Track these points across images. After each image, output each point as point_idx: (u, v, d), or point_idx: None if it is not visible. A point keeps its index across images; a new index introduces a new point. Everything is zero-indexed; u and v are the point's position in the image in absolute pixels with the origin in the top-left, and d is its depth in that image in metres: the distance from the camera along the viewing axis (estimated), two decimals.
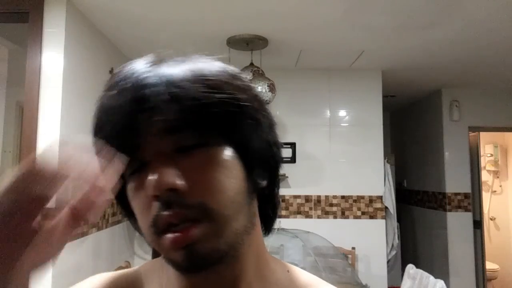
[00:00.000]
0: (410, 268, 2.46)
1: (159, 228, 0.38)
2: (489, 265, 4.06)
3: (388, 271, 3.32)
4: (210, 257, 0.38)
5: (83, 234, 2.20)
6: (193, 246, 0.37)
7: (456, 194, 3.81)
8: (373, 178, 3.32)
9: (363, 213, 3.30)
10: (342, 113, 3.41)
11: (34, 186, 0.30)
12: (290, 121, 3.34)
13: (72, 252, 2.07)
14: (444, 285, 2.07)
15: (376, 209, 3.31)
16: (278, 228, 2.82)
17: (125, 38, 2.62)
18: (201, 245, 0.37)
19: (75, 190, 0.32)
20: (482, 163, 4.53)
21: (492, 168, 4.93)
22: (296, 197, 3.31)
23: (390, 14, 2.23)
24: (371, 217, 3.30)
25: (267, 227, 0.49)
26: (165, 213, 0.37)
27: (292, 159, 3.30)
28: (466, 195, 3.81)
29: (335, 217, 3.30)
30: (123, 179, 0.43)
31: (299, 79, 3.37)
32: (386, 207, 3.36)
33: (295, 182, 3.30)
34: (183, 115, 0.38)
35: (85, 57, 2.25)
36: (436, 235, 3.98)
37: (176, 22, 2.38)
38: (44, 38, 1.99)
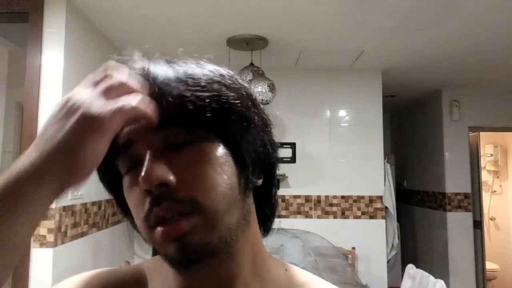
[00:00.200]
0: (410, 268, 2.46)
1: (151, 223, 0.39)
2: (489, 265, 4.06)
3: (388, 271, 3.33)
4: (202, 250, 0.39)
5: (83, 234, 2.20)
6: (184, 238, 0.38)
7: (456, 194, 3.81)
8: (373, 178, 3.32)
9: (363, 213, 3.31)
10: (342, 113, 3.41)
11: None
12: (290, 121, 3.34)
13: (72, 252, 2.07)
14: (444, 285, 2.07)
15: (376, 209, 3.31)
16: (278, 228, 2.82)
17: (125, 38, 2.62)
18: (192, 237, 0.38)
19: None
20: (482, 163, 4.53)
21: (492, 168, 4.93)
22: (296, 197, 3.31)
23: (390, 14, 2.23)
24: (371, 217, 3.30)
25: (266, 227, 0.49)
26: (156, 207, 0.38)
27: (292, 159, 3.30)
28: (466, 195, 3.81)
29: (335, 217, 3.30)
30: (121, 179, 0.44)
31: (299, 79, 3.37)
32: (386, 207, 3.36)
33: (295, 182, 3.30)
34: (173, 112, 0.39)
35: (85, 57, 2.25)
36: (436, 235, 3.98)
37: (176, 22, 2.38)
38: (44, 38, 1.99)
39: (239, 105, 0.42)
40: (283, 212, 3.28)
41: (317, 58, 3.09)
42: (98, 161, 0.37)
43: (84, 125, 0.35)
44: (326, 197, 3.32)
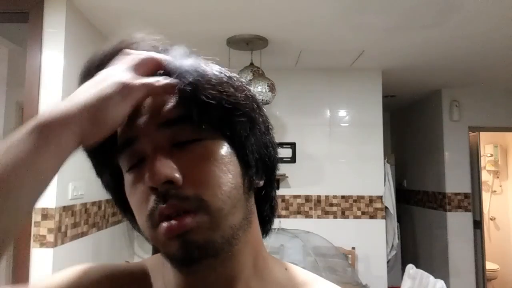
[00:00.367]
0: (410, 268, 2.46)
1: (156, 220, 0.38)
2: (489, 265, 4.06)
3: (388, 271, 3.33)
4: (205, 248, 0.38)
5: (83, 234, 2.20)
6: (188, 235, 0.38)
7: (456, 194, 3.81)
8: (373, 178, 3.32)
9: (363, 213, 3.31)
10: (342, 113, 3.41)
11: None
12: (290, 121, 3.34)
13: (72, 252, 2.07)
14: (444, 285, 2.07)
15: (376, 209, 3.31)
16: (278, 228, 2.82)
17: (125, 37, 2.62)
18: (196, 235, 0.38)
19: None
20: (482, 163, 4.53)
21: (492, 168, 4.93)
22: (296, 197, 3.31)
23: (390, 14, 2.24)
24: (371, 217, 3.30)
25: (266, 228, 0.49)
26: (162, 205, 0.38)
27: (292, 159, 3.30)
28: (466, 195, 3.81)
29: (335, 217, 3.30)
30: (121, 176, 0.43)
31: (299, 79, 3.37)
32: (386, 207, 3.36)
33: (295, 182, 3.30)
34: (180, 109, 0.40)
35: (85, 57, 2.24)
36: (436, 235, 3.98)
37: (177, 22, 2.38)
38: (44, 38, 1.99)
39: (246, 106, 0.42)
40: (283, 212, 3.28)
41: (317, 58, 3.09)
42: (118, 122, 0.39)
43: (114, 88, 0.38)
44: (326, 197, 3.32)
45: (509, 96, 3.87)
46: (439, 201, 3.92)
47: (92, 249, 2.33)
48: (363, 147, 3.33)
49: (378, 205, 3.31)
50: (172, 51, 0.45)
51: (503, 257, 4.66)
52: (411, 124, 4.68)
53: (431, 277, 2.20)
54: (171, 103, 0.41)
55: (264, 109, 0.47)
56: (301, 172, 3.30)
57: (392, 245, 3.56)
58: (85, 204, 2.22)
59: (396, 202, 3.58)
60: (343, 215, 3.30)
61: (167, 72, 0.41)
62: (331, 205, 3.32)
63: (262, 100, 2.58)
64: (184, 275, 0.43)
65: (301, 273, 0.49)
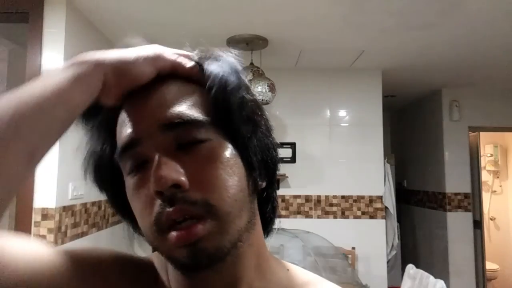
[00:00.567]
0: (410, 268, 2.46)
1: (162, 226, 0.37)
2: (489, 265, 4.06)
3: (388, 271, 3.32)
4: (214, 255, 0.38)
5: (83, 234, 2.20)
6: (198, 244, 0.37)
7: (456, 194, 3.81)
8: (373, 178, 3.32)
9: (363, 213, 3.30)
10: (342, 113, 3.41)
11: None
12: (290, 121, 3.34)
13: None
14: (444, 285, 2.07)
15: (376, 209, 3.31)
16: (278, 228, 2.81)
17: (125, 38, 2.62)
18: (206, 243, 0.37)
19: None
20: (482, 163, 4.53)
21: (492, 168, 4.93)
22: (296, 197, 3.31)
23: (390, 14, 2.23)
24: (371, 217, 3.30)
25: (267, 229, 0.49)
26: (169, 209, 0.37)
27: (292, 159, 3.30)
28: (466, 195, 3.81)
29: (335, 217, 3.30)
30: (120, 180, 0.43)
31: (299, 79, 3.37)
32: (386, 207, 3.36)
33: (295, 182, 3.30)
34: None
35: None
36: (436, 235, 3.98)
37: (176, 22, 2.38)
38: (44, 38, 1.99)
39: (251, 107, 0.43)
40: (283, 212, 3.28)
41: (317, 58, 3.09)
42: (138, 81, 0.41)
43: (148, 53, 0.42)
44: (326, 197, 3.32)
45: (509, 96, 3.87)
46: (439, 201, 3.92)
47: None
48: (363, 147, 3.33)
49: (378, 205, 3.31)
50: (207, 54, 0.46)
51: (503, 257, 4.66)
52: (411, 124, 4.68)
53: (431, 277, 2.20)
54: (174, 104, 0.40)
55: (265, 111, 0.47)
56: (301, 172, 3.30)
57: (392, 245, 3.56)
58: (85, 204, 2.22)
59: (396, 202, 3.57)
60: (343, 215, 3.30)
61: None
62: (331, 205, 3.31)
63: (262, 100, 2.58)
64: (187, 278, 0.43)
65: (303, 273, 0.49)
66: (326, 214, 3.31)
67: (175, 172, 0.37)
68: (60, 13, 2.02)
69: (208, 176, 0.39)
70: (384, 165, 3.38)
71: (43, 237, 1.88)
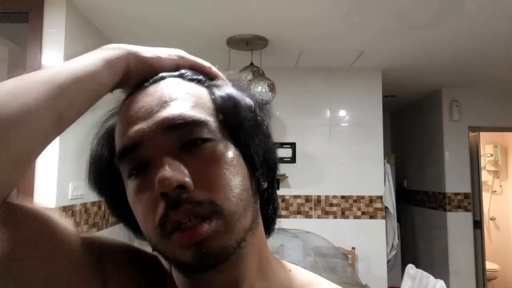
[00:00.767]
0: (410, 268, 2.46)
1: (167, 228, 0.37)
2: (489, 265, 4.06)
3: (388, 271, 3.32)
4: (220, 255, 0.38)
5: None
6: (204, 244, 0.37)
7: (456, 194, 3.81)
8: (373, 178, 3.32)
9: (363, 213, 3.30)
10: (342, 113, 3.41)
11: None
12: (290, 121, 3.34)
13: None
14: (444, 285, 2.07)
15: (376, 209, 3.31)
16: (278, 228, 2.82)
17: (125, 38, 2.62)
18: (212, 242, 0.37)
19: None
20: (482, 163, 4.53)
21: (492, 168, 4.93)
22: (296, 197, 3.31)
23: (390, 14, 2.23)
24: (371, 217, 3.30)
25: (268, 229, 0.49)
26: (174, 211, 0.37)
27: (292, 159, 3.30)
28: (466, 195, 3.81)
29: (335, 217, 3.30)
30: (119, 184, 0.43)
31: (299, 79, 3.37)
32: (386, 207, 3.36)
33: (295, 182, 3.30)
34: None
35: None
36: (436, 235, 3.98)
37: (176, 22, 2.37)
38: (44, 38, 1.99)
39: (252, 108, 0.43)
40: (283, 212, 3.28)
41: (317, 58, 3.09)
42: (153, 71, 0.44)
43: (172, 53, 0.46)
44: (326, 197, 3.32)
45: (509, 96, 3.87)
46: (439, 201, 3.92)
47: None
48: (363, 147, 3.33)
49: (378, 205, 3.31)
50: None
51: (503, 257, 4.66)
52: (411, 124, 4.68)
53: (431, 277, 2.20)
54: (175, 105, 0.40)
55: (267, 111, 0.47)
56: (301, 172, 3.30)
57: (392, 245, 3.56)
58: (85, 204, 2.22)
59: (396, 202, 3.57)
60: (343, 215, 3.30)
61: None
62: (331, 205, 3.31)
63: (262, 100, 2.58)
64: (189, 278, 0.43)
65: (304, 274, 0.49)
66: (326, 214, 3.31)
67: (179, 173, 0.37)
68: (60, 13, 2.02)
69: (212, 176, 0.38)
70: (384, 165, 3.38)
71: None
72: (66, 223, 0.41)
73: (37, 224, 0.38)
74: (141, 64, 0.43)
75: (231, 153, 0.41)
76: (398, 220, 3.75)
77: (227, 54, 2.73)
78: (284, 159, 3.26)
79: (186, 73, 0.45)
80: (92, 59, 0.40)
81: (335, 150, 3.34)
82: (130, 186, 0.40)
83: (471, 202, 3.82)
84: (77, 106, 0.38)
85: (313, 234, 2.86)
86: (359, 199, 3.32)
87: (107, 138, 0.44)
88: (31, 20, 1.99)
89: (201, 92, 0.43)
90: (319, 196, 3.32)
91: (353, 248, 3.08)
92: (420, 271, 2.35)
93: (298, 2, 2.10)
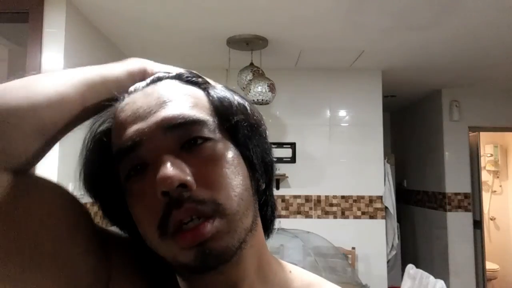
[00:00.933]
0: (410, 268, 2.46)
1: (169, 229, 0.37)
2: (489, 265, 4.06)
3: (388, 271, 3.32)
4: (222, 256, 0.37)
5: None
6: (206, 245, 0.36)
7: (456, 194, 3.81)
8: (373, 178, 3.32)
9: (363, 213, 3.30)
10: (342, 113, 3.41)
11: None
12: (290, 121, 3.34)
13: None
14: (444, 285, 2.07)
15: (376, 209, 3.31)
16: (278, 228, 2.82)
17: (125, 37, 2.62)
18: (215, 243, 0.37)
19: None
20: (482, 163, 4.53)
21: (492, 168, 4.93)
22: (296, 197, 3.31)
23: (390, 14, 2.23)
24: (371, 217, 3.30)
25: (267, 231, 0.49)
26: (176, 209, 0.36)
27: (292, 159, 3.29)
28: (466, 195, 3.81)
29: (335, 217, 3.30)
30: (114, 188, 0.43)
31: (299, 79, 3.37)
32: (386, 207, 3.36)
33: (295, 182, 3.30)
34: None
35: (85, 57, 2.25)
36: (436, 235, 3.98)
37: (176, 22, 2.37)
38: (44, 38, 1.99)
39: (250, 110, 0.44)
40: (283, 212, 3.28)
41: (317, 58, 3.09)
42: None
43: (137, 65, 0.49)
44: (326, 197, 3.32)
45: (509, 96, 3.87)
46: (439, 201, 3.92)
47: None
48: (363, 147, 3.33)
49: (378, 205, 3.31)
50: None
51: (503, 257, 4.66)
52: (411, 124, 4.68)
53: (431, 277, 2.20)
54: (175, 105, 0.40)
55: (258, 113, 0.48)
56: (301, 172, 3.30)
57: (392, 245, 3.56)
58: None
59: (396, 202, 3.57)
60: (343, 215, 3.30)
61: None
62: (331, 205, 3.31)
63: (262, 100, 2.58)
64: (187, 281, 0.43)
65: (305, 275, 0.49)
66: (326, 214, 3.31)
67: (182, 171, 0.36)
68: (60, 13, 2.02)
69: (214, 175, 0.38)
70: (384, 165, 3.38)
71: None
72: (82, 205, 0.44)
73: (57, 197, 0.41)
74: (153, 74, 0.47)
75: (231, 152, 0.41)
76: (398, 220, 3.75)
77: (227, 54, 2.73)
78: (284, 159, 3.26)
79: (183, 74, 0.45)
80: (116, 67, 0.46)
81: (335, 150, 3.34)
82: (129, 187, 0.40)
83: (471, 202, 3.82)
84: (99, 99, 0.43)
85: (313, 234, 2.86)
86: (359, 199, 3.32)
87: (99, 141, 0.44)
88: (31, 20, 1.99)
89: (199, 93, 0.43)
90: (319, 196, 3.32)
91: (353, 248, 3.08)
92: (420, 271, 2.35)
93: (298, 2, 2.10)
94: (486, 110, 3.87)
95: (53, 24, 2.01)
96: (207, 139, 0.39)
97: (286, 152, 3.28)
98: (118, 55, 2.76)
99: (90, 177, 0.45)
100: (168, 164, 0.36)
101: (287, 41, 2.69)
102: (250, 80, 2.59)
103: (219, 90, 0.44)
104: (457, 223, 3.78)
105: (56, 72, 0.42)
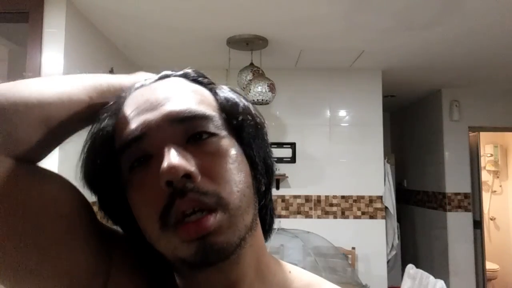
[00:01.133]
0: (410, 268, 2.46)
1: (170, 220, 0.37)
2: (489, 265, 4.06)
3: (388, 271, 3.32)
4: (223, 251, 0.37)
5: None
6: (208, 238, 0.36)
7: (456, 194, 3.81)
8: (373, 178, 3.32)
9: (363, 213, 3.30)
10: (342, 113, 3.41)
11: None
12: (290, 121, 3.34)
13: None
14: (444, 285, 2.07)
15: (376, 209, 3.31)
16: (278, 228, 2.82)
17: (125, 37, 2.62)
18: (216, 237, 0.37)
19: None
20: (482, 163, 4.53)
21: (492, 168, 4.93)
22: (296, 197, 3.31)
23: (390, 14, 2.23)
24: (371, 217, 3.30)
25: (266, 234, 0.49)
26: (180, 199, 0.36)
27: (292, 159, 3.29)
28: (466, 195, 3.81)
29: (335, 217, 3.30)
30: (113, 183, 0.42)
31: (299, 79, 3.37)
32: (386, 207, 3.36)
33: (295, 182, 3.30)
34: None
35: (85, 57, 2.25)
36: (436, 235, 3.98)
37: (176, 22, 2.37)
38: (44, 38, 1.99)
39: (253, 110, 0.45)
40: (283, 212, 3.28)
41: (317, 58, 3.09)
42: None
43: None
44: (326, 197, 3.32)
45: (509, 96, 3.87)
46: (439, 201, 3.92)
47: None
48: (363, 147, 3.33)
49: (378, 205, 3.31)
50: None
51: (503, 257, 4.66)
52: (411, 124, 4.68)
53: (431, 277, 2.20)
54: (182, 99, 0.41)
55: (261, 115, 0.48)
56: (301, 172, 3.30)
57: (392, 245, 3.56)
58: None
59: (396, 202, 3.57)
60: (343, 215, 3.30)
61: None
62: (331, 205, 3.31)
63: (262, 100, 2.58)
64: (185, 278, 0.43)
65: (304, 275, 0.49)
66: (326, 214, 3.31)
67: (187, 161, 0.37)
68: (60, 13, 2.02)
69: (218, 169, 0.39)
70: (384, 165, 3.38)
71: None
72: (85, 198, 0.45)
73: (60, 188, 0.41)
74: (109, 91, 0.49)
75: (235, 149, 0.41)
76: (398, 220, 3.75)
77: (227, 54, 2.73)
78: (284, 159, 3.26)
79: (190, 73, 0.46)
80: (125, 78, 0.48)
81: (335, 150, 3.34)
82: (131, 179, 0.40)
83: (471, 202, 3.82)
84: (105, 99, 0.44)
85: (313, 234, 2.86)
86: (359, 199, 3.32)
87: (102, 134, 0.43)
88: (31, 20, 1.99)
89: (205, 91, 0.45)
90: (319, 196, 3.32)
91: (353, 248, 3.08)
92: (420, 271, 2.35)
93: (298, 2, 2.10)
94: (486, 110, 3.87)
95: (53, 24, 2.01)
96: (212, 134, 0.40)
97: (286, 152, 3.28)
98: (118, 55, 2.76)
99: (91, 171, 0.44)
100: (175, 154, 0.37)
101: (287, 41, 2.69)
102: (250, 80, 2.59)
103: (225, 90, 0.46)
104: (457, 223, 3.79)
105: (68, 76, 0.45)
